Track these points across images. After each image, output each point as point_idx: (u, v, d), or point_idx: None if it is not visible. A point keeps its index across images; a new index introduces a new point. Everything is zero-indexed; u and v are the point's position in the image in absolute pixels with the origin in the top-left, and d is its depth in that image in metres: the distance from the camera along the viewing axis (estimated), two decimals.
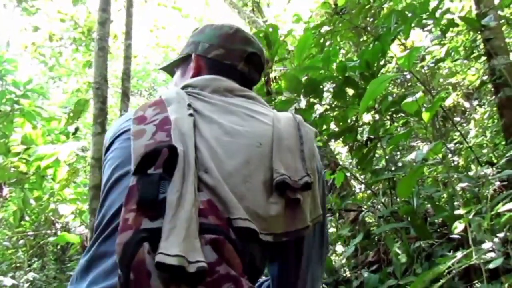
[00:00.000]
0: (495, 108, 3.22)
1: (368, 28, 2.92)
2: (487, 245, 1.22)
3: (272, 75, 2.51)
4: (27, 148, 3.59)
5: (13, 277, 3.78)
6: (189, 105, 0.78)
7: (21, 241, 4.36)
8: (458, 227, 1.30)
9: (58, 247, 4.46)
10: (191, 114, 0.75)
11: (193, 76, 0.92)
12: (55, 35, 7.80)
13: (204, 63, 0.93)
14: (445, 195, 2.41)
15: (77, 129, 3.99)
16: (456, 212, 1.48)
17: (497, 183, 2.08)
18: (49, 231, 4.28)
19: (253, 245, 0.67)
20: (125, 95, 3.18)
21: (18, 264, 4.28)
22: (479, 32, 2.93)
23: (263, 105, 0.87)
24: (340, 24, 2.79)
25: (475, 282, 1.49)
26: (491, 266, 0.99)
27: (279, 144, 0.74)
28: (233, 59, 0.92)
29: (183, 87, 0.86)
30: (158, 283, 0.56)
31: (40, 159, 3.34)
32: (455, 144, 3.23)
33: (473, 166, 2.52)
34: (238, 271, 0.59)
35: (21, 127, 3.87)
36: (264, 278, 0.92)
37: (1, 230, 4.37)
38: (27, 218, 4.31)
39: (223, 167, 0.68)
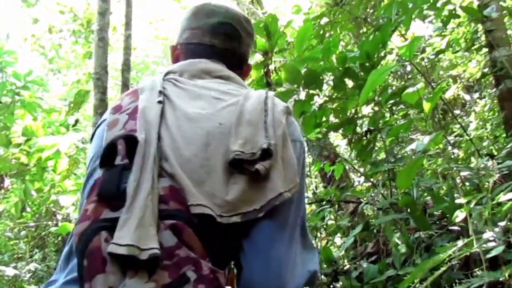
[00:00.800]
0: (495, 101, 3.21)
1: (368, 19, 2.90)
2: (488, 234, 1.23)
3: (271, 66, 2.51)
4: (28, 139, 3.60)
5: (15, 268, 3.81)
6: (160, 92, 0.78)
7: (22, 232, 4.38)
8: (459, 216, 1.31)
9: (59, 238, 4.49)
10: (160, 102, 0.76)
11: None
12: (54, 27, 7.77)
13: (179, 49, 0.94)
14: (444, 187, 2.41)
15: (77, 121, 3.99)
16: (457, 201, 1.48)
17: (498, 175, 2.08)
18: (50, 222, 4.30)
19: (215, 229, 0.66)
20: (125, 86, 3.17)
21: (20, 255, 4.32)
22: (480, 23, 2.91)
23: (238, 85, 0.86)
24: (340, 15, 2.78)
25: (475, 270, 1.50)
26: (492, 253, 0.99)
27: (240, 120, 0.74)
28: (199, 37, 0.91)
29: (165, 74, 0.87)
30: (115, 269, 0.58)
31: (40, 151, 3.35)
32: (455, 136, 3.23)
33: (473, 159, 2.52)
34: (198, 254, 0.60)
35: (21, 119, 3.87)
36: None
37: (3, 221, 4.39)
38: (28, 209, 4.34)
39: (181, 154, 0.69)
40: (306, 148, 0.89)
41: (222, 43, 0.90)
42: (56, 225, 4.15)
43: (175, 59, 0.95)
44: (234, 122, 0.73)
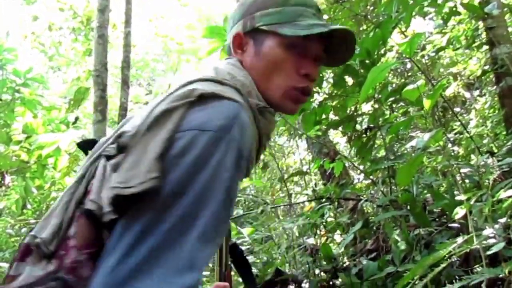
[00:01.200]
0: (496, 98, 3.21)
1: (369, 16, 2.89)
2: (488, 231, 1.23)
3: None
4: (28, 136, 3.61)
5: None
6: None
7: (23, 229, 4.40)
8: (459, 212, 1.31)
9: None
10: None
11: None
12: (54, 24, 7.76)
13: None
14: (444, 185, 2.41)
15: (77, 118, 4.00)
16: (457, 198, 1.48)
17: (498, 172, 2.08)
18: None
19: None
20: (125, 83, 3.17)
21: None
22: (481, 21, 2.90)
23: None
24: (340, 13, 2.77)
25: (475, 266, 1.50)
26: (493, 249, 0.99)
27: (138, 113, 0.74)
28: None
29: None
30: (32, 259, 0.63)
31: (41, 148, 3.36)
32: (455, 134, 3.23)
33: (473, 156, 2.52)
34: (80, 244, 0.62)
35: (22, 116, 3.88)
36: None
37: (4, 218, 4.41)
38: (29, 206, 4.37)
39: None
40: (228, 143, 0.65)
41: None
42: None
43: None
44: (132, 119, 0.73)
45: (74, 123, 3.97)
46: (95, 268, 0.59)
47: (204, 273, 2.39)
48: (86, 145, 0.79)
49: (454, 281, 1.12)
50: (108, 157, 0.65)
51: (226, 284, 0.93)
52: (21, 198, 3.81)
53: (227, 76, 0.76)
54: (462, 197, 1.33)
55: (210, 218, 0.60)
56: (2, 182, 3.84)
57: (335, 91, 2.50)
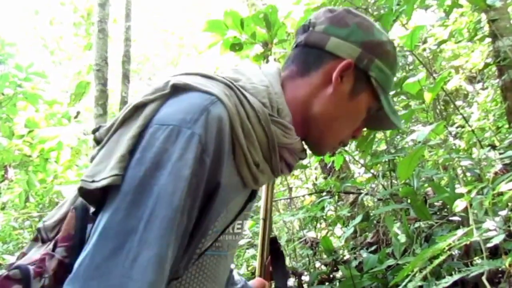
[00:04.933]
0: (498, 91, 3.19)
1: (370, 9, 2.87)
2: (488, 223, 1.23)
3: (271, 57, 2.49)
4: (30, 130, 3.63)
5: None
6: None
7: (26, 222, 4.45)
8: (459, 205, 1.31)
9: None
10: None
11: None
12: (55, 18, 7.74)
13: None
14: (445, 178, 2.41)
15: (78, 112, 4.01)
16: (458, 191, 1.48)
17: (499, 166, 2.08)
18: None
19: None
20: (126, 77, 3.17)
21: (24, 244, 4.38)
22: (484, 13, 2.88)
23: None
24: (340, 6, 2.75)
25: (475, 258, 1.50)
26: (493, 241, 0.99)
27: None
28: None
29: None
30: (39, 242, 0.71)
31: (43, 142, 3.37)
32: (457, 127, 3.22)
33: (475, 149, 2.52)
34: (62, 236, 0.65)
35: (24, 110, 3.90)
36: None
37: (7, 211, 4.45)
38: (32, 199, 4.41)
39: None
40: (188, 137, 0.60)
41: (294, 44, 0.81)
42: None
43: None
44: None
45: (75, 117, 3.98)
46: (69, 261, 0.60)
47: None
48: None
49: (453, 273, 1.12)
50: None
51: (266, 282, 0.99)
52: (24, 192, 3.85)
53: (236, 75, 0.73)
54: (462, 189, 1.33)
55: (166, 219, 0.57)
56: (5, 175, 3.87)
57: None
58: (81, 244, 0.60)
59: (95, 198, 0.60)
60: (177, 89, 0.64)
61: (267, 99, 0.70)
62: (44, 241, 0.69)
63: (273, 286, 1.03)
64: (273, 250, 1.02)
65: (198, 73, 0.70)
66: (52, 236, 0.68)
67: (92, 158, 0.64)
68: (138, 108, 0.63)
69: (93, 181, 0.59)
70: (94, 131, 0.67)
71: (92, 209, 0.63)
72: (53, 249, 0.64)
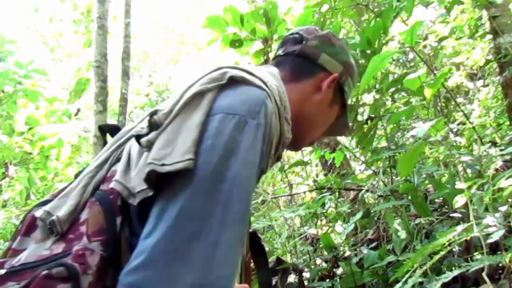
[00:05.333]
0: (499, 88, 3.18)
1: (370, 5, 2.86)
2: (488, 219, 1.23)
3: (271, 54, 2.49)
4: (31, 128, 3.63)
5: None
6: None
7: None
8: (459, 201, 1.31)
9: None
10: None
11: None
12: (55, 16, 7.73)
13: None
14: (446, 175, 2.41)
15: (78, 110, 4.01)
16: (458, 186, 1.48)
17: (500, 163, 2.08)
18: None
19: (134, 207, 0.64)
20: (125, 74, 3.17)
21: None
22: (485, 9, 2.87)
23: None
24: (341, 2, 2.74)
25: (475, 254, 1.50)
26: (493, 237, 0.99)
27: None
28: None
29: None
30: (40, 236, 0.64)
31: (43, 139, 3.38)
32: (458, 124, 3.22)
33: (475, 146, 2.52)
34: (92, 230, 0.62)
35: (24, 108, 3.90)
36: None
37: (9, 208, 4.46)
38: (33, 197, 4.40)
39: (133, 142, 0.71)
40: (255, 128, 0.64)
41: (284, 50, 0.90)
42: None
43: None
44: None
45: (76, 114, 3.98)
46: (107, 256, 0.59)
47: None
48: (108, 130, 0.81)
49: (454, 269, 1.12)
50: (139, 137, 0.64)
51: (246, 286, 0.95)
52: (25, 189, 3.85)
53: (261, 74, 0.75)
54: (463, 185, 1.32)
55: (242, 204, 0.61)
56: (6, 173, 3.87)
57: None
58: (115, 238, 0.61)
59: (153, 181, 0.60)
60: (233, 81, 0.68)
61: (279, 97, 0.75)
62: (53, 235, 0.63)
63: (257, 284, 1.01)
64: (254, 246, 0.96)
65: (241, 68, 0.74)
66: (64, 230, 0.62)
67: (149, 142, 0.62)
68: (197, 95, 0.66)
69: (163, 165, 0.59)
70: (152, 114, 0.65)
71: (142, 195, 0.61)
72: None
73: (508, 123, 2.82)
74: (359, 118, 2.65)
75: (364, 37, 2.08)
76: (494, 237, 1.00)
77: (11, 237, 0.67)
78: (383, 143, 2.83)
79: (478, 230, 1.01)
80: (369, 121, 2.53)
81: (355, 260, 2.21)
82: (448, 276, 0.91)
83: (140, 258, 0.55)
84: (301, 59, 0.87)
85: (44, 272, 0.56)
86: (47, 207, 0.65)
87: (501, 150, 2.10)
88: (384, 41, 2.34)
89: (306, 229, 2.70)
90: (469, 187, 1.34)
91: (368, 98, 2.79)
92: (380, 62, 1.65)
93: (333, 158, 2.84)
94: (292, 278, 2.33)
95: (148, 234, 0.57)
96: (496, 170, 2.06)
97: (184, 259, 0.55)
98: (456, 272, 0.93)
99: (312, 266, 2.43)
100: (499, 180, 1.33)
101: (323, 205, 2.59)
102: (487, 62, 3.56)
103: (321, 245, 2.45)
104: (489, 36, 3.13)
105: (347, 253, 2.41)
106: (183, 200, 0.58)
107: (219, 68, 0.71)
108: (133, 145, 0.69)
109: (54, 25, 7.97)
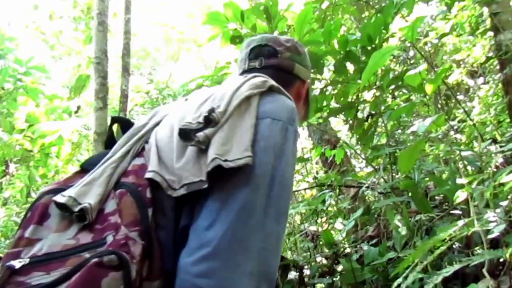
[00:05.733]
0: (499, 85, 3.18)
1: (371, 2, 2.86)
2: (489, 214, 1.22)
3: None
4: (31, 125, 3.62)
5: None
6: (186, 99, 0.86)
7: None
8: (460, 196, 1.31)
9: None
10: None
11: None
12: (55, 13, 7.72)
13: None
14: (446, 172, 2.41)
15: (79, 107, 4.00)
16: (459, 181, 1.48)
17: (500, 160, 2.08)
18: None
19: (169, 199, 0.66)
20: (126, 71, 3.16)
21: None
22: (486, 6, 2.86)
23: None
24: None
25: (476, 248, 1.50)
26: (494, 231, 0.99)
27: (208, 98, 0.76)
28: (241, 66, 1.00)
29: None
30: (53, 224, 0.63)
31: (43, 137, 3.37)
32: (458, 122, 3.21)
33: (476, 143, 2.51)
34: (127, 221, 0.61)
35: (24, 105, 3.89)
36: None
37: (9, 206, 4.45)
38: (33, 194, 4.39)
39: (157, 137, 0.75)
40: (293, 133, 0.77)
41: (260, 63, 0.95)
42: None
43: None
44: (201, 101, 0.75)
45: (76, 112, 3.98)
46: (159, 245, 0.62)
47: None
48: (123, 123, 0.82)
49: (455, 263, 1.12)
50: (186, 131, 0.67)
51: None
52: (25, 187, 3.84)
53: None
54: (463, 180, 1.32)
55: (286, 200, 0.71)
56: (6, 170, 3.87)
57: (336, 78, 2.48)
58: (149, 229, 0.62)
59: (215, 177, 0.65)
60: (272, 90, 0.78)
61: None
62: (77, 224, 0.62)
63: None
64: None
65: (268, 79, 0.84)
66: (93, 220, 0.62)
67: (207, 137, 0.66)
68: (246, 99, 0.73)
69: (226, 160, 0.64)
70: (210, 111, 0.68)
71: (182, 191, 0.64)
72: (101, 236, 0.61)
73: (508, 120, 2.81)
74: (359, 115, 2.65)
75: (365, 34, 2.08)
76: (496, 232, 1.00)
77: (20, 226, 0.65)
78: (384, 141, 2.82)
79: (479, 225, 1.01)
80: (369, 118, 2.53)
81: (355, 257, 2.21)
82: (449, 270, 0.91)
83: (207, 249, 0.60)
84: (280, 72, 0.94)
85: (95, 260, 0.56)
86: (71, 194, 0.63)
87: (501, 147, 2.10)
88: (384, 38, 2.33)
89: (306, 226, 2.71)
90: (470, 183, 1.34)
91: (368, 95, 2.79)
92: (381, 58, 1.64)
93: (333, 156, 2.83)
94: (292, 274, 2.33)
95: (209, 226, 0.62)
96: (497, 167, 2.06)
97: (245, 250, 0.62)
98: (457, 266, 0.93)
99: (313, 263, 2.43)
100: (500, 175, 1.32)
101: (324, 202, 2.59)
102: (488, 59, 3.55)
103: (321, 242, 2.45)
104: (490, 33, 3.12)
105: (348, 250, 2.41)
106: (244, 195, 0.64)
107: (256, 76, 0.80)
108: (160, 139, 0.73)
109: (54, 22, 7.95)
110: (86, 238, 0.60)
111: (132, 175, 0.68)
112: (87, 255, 0.57)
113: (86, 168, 0.72)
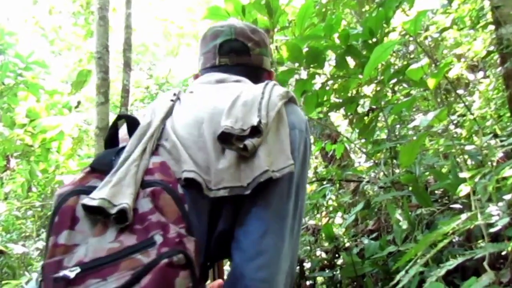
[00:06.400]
0: (500, 80, 3.17)
1: None
2: (492, 208, 1.23)
3: (273, 45, 2.48)
4: (32, 120, 3.62)
5: (23, 246, 3.90)
6: (174, 94, 0.86)
7: (29, 212, 4.44)
8: (463, 190, 1.31)
9: None
10: (172, 100, 0.84)
11: None
12: (54, 8, 7.68)
13: (199, 76, 1.01)
14: (446, 167, 2.41)
15: (79, 102, 4.00)
16: (461, 175, 1.48)
17: (500, 154, 2.08)
18: None
19: (205, 200, 0.68)
20: (127, 66, 3.15)
21: (27, 234, 4.40)
22: (487, 0, 2.85)
23: (248, 84, 0.91)
24: None
25: (479, 242, 1.51)
26: (498, 225, 1.00)
27: (235, 102, 0.77)
28: (210, 60, 0.96)
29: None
30: (84, 228, 0.61)
31: (44, 132, 3.37)
32: (458, 116, 3.21)
33: (476, 138, 2.51)
34: (171, 219, 0.62)
35: (24, 100, 3.88)
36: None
37: (10, 201, 4.46)
38: (34, 189, 4.39)
39: (178, 133, 0.74)
40: (310, 143, 0.87)
41: (232, 60, 0.95)
42: None
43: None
44: (228, 105, 0.76)
45: (76, 107, 3.98)
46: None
47: None
48: (130, 120, 0.81)
49: (457, 256, 1.12)
50: (228, 135, 0.70)
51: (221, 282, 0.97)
52: (26, 181, 3.85)
53: None
54: (466, 174, 1.33)
55: (304, 204, 0.80)
56: (7, 165, 3.87)
57: (337, 73, 2.47)
58: (191, 225, 0.64)
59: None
60: (291, 100, 0.84)
61: None
62: (114, 226, 0.60)
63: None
64: None
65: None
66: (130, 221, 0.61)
67: (254, 147, 0.70)
68: (279, 110, 0.78)
69: (273, 171, 0.69)
70: (259, 122, 0.72)
71: (222, 193, 0.68)
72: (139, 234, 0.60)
73: (508, 114, 2.81)
74: (360, 109, 2.65)
75: (366, 27, 2.07)
76: (499, 225, 1.01)
77: (50, 232, 0.62)
78: (383, 135, 2.83)
79: (482, 218, 1.01)
80: (370, 113, 2.53)
81: (355, 251, 2.22)
82: (452, 263, 0.92)
83: (266, 258, 0.68)
84: (251, 68, 0.96)
85: (165, 261, 0.56)
86: (102, 196, 0.61)
87: (501, 141, 2.10)
88: (386, 32, 2.32)
89: (306, 220, 2.72)
90: (472, 177, 1.34)
91: (368, 90, 2.78)
92: (383, 52, 1.64)
93: (333, 150, 2.84)
94: None
95: (264, 235, 0.69)
96: (497, 161, 2.06)
97: (285, 255, 0.71)
98: (460, 259, 0.94)
99: (313, 257, 2.44)
100: (502, 169, 1.32)
101: (324, 196, 2.60)
102: (489, 53, 3.54)
103: (322, 236, 2.46)
104: (491, 27, 3.11)
105: (348, 244, 2.42)
106: (286, 204, 0.73)
107: (275, 84, 0.84)
108: (183, 136, 0.74)
109: (53, 17, 7.91)
110: (129, 240, 0.59)
111: (157, 172, 0.68)
112: (139, 256, 0.57)
113: (96, 168, 0.71)
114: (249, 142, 0.69)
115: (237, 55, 0.95)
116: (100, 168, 0.70)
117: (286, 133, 0.75)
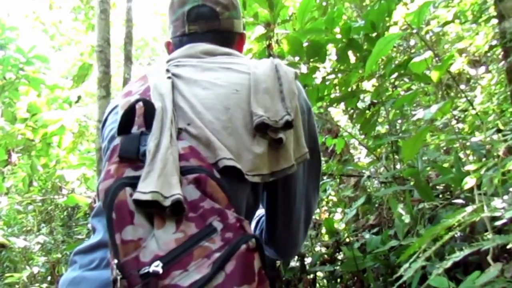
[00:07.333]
0: (502, 74, 3.16)
1: None
2: (497, 201, 1.22)
3: (274, 38, 2.46)
4: (33, 115, 3.62)
5: (24, 240, 3.92)
6: (167, 71, 0.84)
7: (30, 207, 4.46)
8: (469, 182, 1.30)
9: (65, 213, 4.58)
10: (169, 77, 0.81)
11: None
12: (54, 2, 7.66)
13: (172, 44, 1.00)
14: (448, 161, 2.40)
15: (79, 97, 4.00)
16: (467, 168, 1.47)
17: (503, 149, 2.07)
18: (56, 197, 4.36)
19: (240, 185, 0.71)
20: (128, 59, 3.14)
21: (28, 228, 4.42)
22: None
23: (240, 57, 0.91)
24: None
25: (485, 234, 1.50)
26: (506, 216, 0.99)
27: (256, 88, 0.77)
28: (180, 28, 0.95)
29: (167, 61, 0.91)
30: (142, 221, 0.61)
31: (45, 126, 3.38)
32: (460, 111, 3.20)
33: (477, 133, 2.50)
34: (223, 205, 0.63)
35: (26, 95, 3.88)
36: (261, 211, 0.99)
37: (11, 195, 4.47)
38: (35, 184, 4.40)
39: (203, 117, 0.73)
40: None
41: (202, 27, 0.93)
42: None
43: (170, 53, 0.99)
44: (251, 89, 0.77)
45: (76, 102, 3.98)
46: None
47: None
48: (146, 105, 0.77)
49: (463, 248, 1.11)
50: (266, 125, 0.74)
51: None
52: (27, 176, 3.86)
53: None
54: (471, 167, 1.32)
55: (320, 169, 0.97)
56: (9, 160, 3.88)
57: (338, 67, 2.46)
58: (238, 208, 0.68)
59: None
60: (296, 78, 0.87)
61: None
62: (170, 218, 0.61)
63: None
64: None
65: None
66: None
67: (286, 138, 0.77)
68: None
69: (305, 153, 0.82)
70: (290, 116, 0.77)
71: (256, 179, 0.73)
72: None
73: (511, 109, 2.80)
74: (361, 104, 2.63)
75: (368, 21, 2.06)
76: (506, 217, 1.00)
77: (113, 230, 0.61)
78: (384, 130, 2.81)
79: (488, 211, 1.01)
80: (371, 107, 2.51)
81: (356, 245, 2.21)
82: (459, 255, 0.92)
83: (305, 224, 0.93)
84: (221, 33, 0.94)
85: (244, 246, 0.59)
86: (152, 188, 0.61)
87: (504, 135, 2.09)
88: (388, 25, 2.31)
89: None
90: (477, 170, 1.33)
91: (368, 84, 2.77)
92: (386, 45, 1.63)
93: (334, 145, 2.83)
94: (294, 262, 2.34)
95: (300, 208, 0.88)
96: (499, 156, 2.05)
97: (311, 220, 0.94)
98: (467, 251, 0.93)
99: (314, 251, 2.44)
100: (509, 162, 1.31)
101: (324, 191, 2.59)
102: (491, 47, 3.52)
103: (322, 231, 2.45)
104: (493, 21, 3.09)
105: (349, 239, 2.42)
106: (315, 180, 0.91)
107: (279, 63, 0.86)
108: (210, 121, 0.74)
109: (53, 12, 7.89)
110: (190, 229, 0.60)
111: (192, 158, 0.68)
112: (206, 244, 0.59)
113: (125, 156, 0.69)
114: (283, 136, 0.74)
115: (206, 21, 0.93)
116: (128, 156, 0.69)
117: (299, 120, 0.80)
